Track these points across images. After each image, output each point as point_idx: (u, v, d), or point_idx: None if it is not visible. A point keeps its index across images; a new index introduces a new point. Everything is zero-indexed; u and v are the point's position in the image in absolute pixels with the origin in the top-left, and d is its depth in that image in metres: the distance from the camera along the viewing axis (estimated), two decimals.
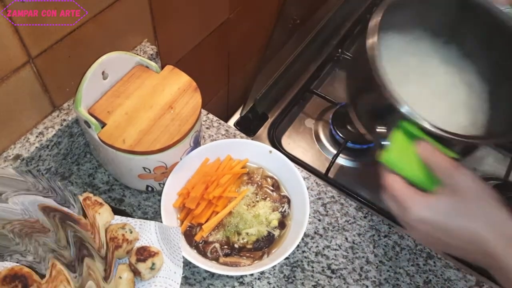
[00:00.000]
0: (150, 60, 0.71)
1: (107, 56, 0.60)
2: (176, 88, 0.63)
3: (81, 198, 0.56)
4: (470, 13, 0.62)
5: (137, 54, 0.70)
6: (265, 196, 0.65)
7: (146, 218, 0.65)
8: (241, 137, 0.75)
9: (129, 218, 0.59)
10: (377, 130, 0.54)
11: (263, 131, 0.89)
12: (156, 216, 0.65)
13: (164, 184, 0.65)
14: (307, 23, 1.02)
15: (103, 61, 0.59)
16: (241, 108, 0.88)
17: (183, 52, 0.85)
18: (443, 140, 0.52)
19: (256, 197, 0.64)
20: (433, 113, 0.55)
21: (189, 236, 0.61)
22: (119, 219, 0.59)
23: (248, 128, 0.87)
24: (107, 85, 0.62)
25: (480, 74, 0.64)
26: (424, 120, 0.51)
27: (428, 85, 0.63)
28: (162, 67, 0.77)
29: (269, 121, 0.91)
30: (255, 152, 0.67)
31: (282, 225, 0.62)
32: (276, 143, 0.87)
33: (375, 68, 0.52)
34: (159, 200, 0.66)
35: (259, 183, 0.66)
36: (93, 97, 0.60)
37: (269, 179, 0.66)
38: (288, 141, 0.90)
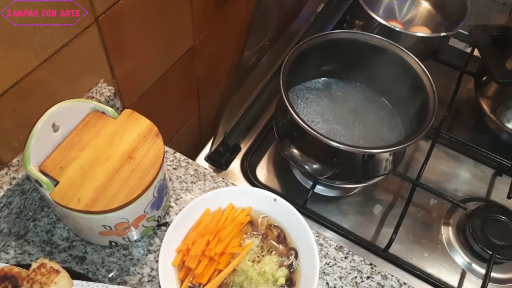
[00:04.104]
0: (108, 101, 0.67)
1: (56, 107, 0.55)
2: (135, 135, 0.59)
3: (35, 265, 0.52)
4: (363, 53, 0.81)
5: (93, 97, 0.65)
6: (271, 249, 0.61)
7: (111, 278, 0.60)
8: (211, 176, 0.70)
9: (90, 283, 0.54)
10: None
11: (236, 163, 0.85)
12: (121, 273, 0.60)
13: (128, 238, 0.61)
14: (276, 44, 0.98)
15: (52, 113, 0.54)
16: (211, 141, 0.83)
17: (146, 86, 0.80)
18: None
19: (261, 251, 0.61)
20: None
21: None
22: (79, 285, 0.54)
23: (219, 162, 0.83)
24: (59, 138, 0.57)
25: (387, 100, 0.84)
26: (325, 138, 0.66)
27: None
28: (123, 106, 0.73)
29: (242, 152, 0.87)
30: (259, 200, 0.63)
31: (290, 282, 0.58)
32: (250, 175, 0.83)
33: (290, 114, 0.69)
34: (124, 255, 0.62)
35: (264, 235, 0.62)
36: (44, 152, 0.55)
37: (274, 229, 0.63)
38: (263, 172, 0.86)
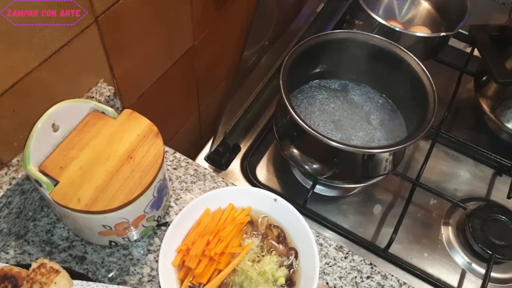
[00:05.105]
0: (108, 101, 0.67)
1: (56, 107, 0.55)
2: (135, 135, 0.59)
3: (35, 265, 0.52)
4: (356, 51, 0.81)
5: (93, 97, 0.65)
6: (271, 249, 0.61)
7: (111, 278, 0.60)
8: (211, 176, 0.70)
9: (90, 283, 0.54)
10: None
11: (236, 163, 0.85)
12: (121, 273, 0.60)
13: (128, 238, 0.61)
14: (276, 44, 0.98)
15: (52, 113, 0.54)
16: (211, 141, 0.83)
17: (146, 86, 0.80)
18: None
19: (261, 251, 0.61)
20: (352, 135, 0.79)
21: None
22: (79, 285, 0.54)
23: (219, 162, 0.83)
24: (59, 137, 0.57)
25: (390, 98, 0.84)
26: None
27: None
28: (123, 106, 0.73)
29: (242, 152, 0.87)
30: (259, 199, 0.63)
31: (290, 282, 0.58)
32: (250, 175, 0.83)
33: (290, 113, 0.69)
34: (124, 255, 0.62)
35: (264, 235, 0.62)
36: (44, 152, 0.55)
37: (274, 229, 0.63)
38: (263, 172, 0.86)
